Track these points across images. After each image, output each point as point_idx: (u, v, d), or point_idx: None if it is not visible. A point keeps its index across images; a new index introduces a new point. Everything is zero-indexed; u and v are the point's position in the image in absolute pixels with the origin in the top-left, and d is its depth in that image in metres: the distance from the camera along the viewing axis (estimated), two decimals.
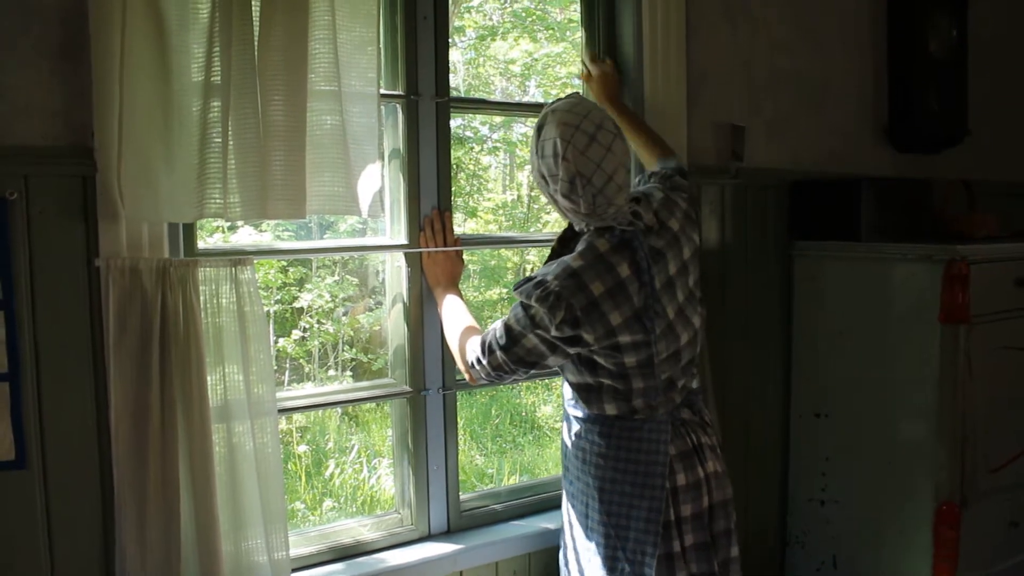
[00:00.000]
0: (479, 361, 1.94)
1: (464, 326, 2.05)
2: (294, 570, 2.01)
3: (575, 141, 1.78)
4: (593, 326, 1.81)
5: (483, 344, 1.93)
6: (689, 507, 1.93)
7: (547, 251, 2.14)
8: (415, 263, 2.23)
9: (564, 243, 2.06)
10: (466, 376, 2.03)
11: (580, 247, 1.89)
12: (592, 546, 1.97)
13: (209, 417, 1.77)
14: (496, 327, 1.92)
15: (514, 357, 1.88)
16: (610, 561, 1.93)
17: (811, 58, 2.91)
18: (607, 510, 1.93)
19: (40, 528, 1.73)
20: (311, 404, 2.24)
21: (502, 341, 1.88)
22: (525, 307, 1.86)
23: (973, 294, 2.38)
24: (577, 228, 1.98)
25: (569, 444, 2.05)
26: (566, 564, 2.09)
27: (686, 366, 1.98)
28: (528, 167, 2.04)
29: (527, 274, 1.96)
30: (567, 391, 2.05)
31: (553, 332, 1.82)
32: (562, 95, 1.95)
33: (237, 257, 1.83)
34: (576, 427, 2.02)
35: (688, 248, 1.97)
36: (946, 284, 2.38)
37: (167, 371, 1.72)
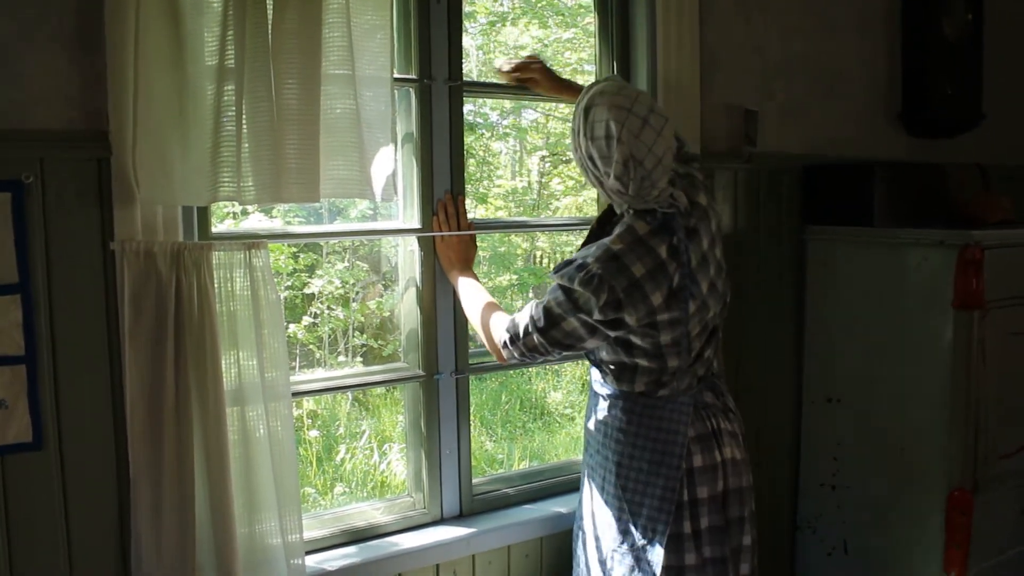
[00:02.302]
0: (512, 342, 1.94)
1: (488, 306, 2.06)
2: (308, 552, 2.02)
3: (629, 124, 1.79)
4: (635, 307, 1.81)
5: (517, 325, 1.93)
6: (706, 489, 1.94)
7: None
8: (428, 247, 2.23)
9: (602, 224, 2.07)
10: (495, 356, 2.03)
11: (619, 230, 1.89)
12: (606, 518, 1.99)
13: (223, 400, 1.78)
14: (532, 309, 1.92)
15: (551, 339, 1.88)
16: (622, 535, 1.96)
17: (824, 42, 2.89)
18: (623, 484, 1.96)
19: (57, 509, 1.74)
20: (325, 388, 2.25)
21: (540, 323, 1.88)
22: (566, 290, 1.85)
23: (987, 279, 2.36)
24: (618, 210, 1.98)
25: (592, 418, 2.07)
26: (579, 537, 2.11)
27: (711, 337, 2.01)
28: (571, 150, 2.00)
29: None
30: (595, 369, 2.06)
31: (596, 316, 1.82)
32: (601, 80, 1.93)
33: (251, 240, 1.83)
34: (601, 403, 2.03)
35: (715, 220, 1.99)
36: (960, 269, 2.37)
37: (182, 354, 1.73)
